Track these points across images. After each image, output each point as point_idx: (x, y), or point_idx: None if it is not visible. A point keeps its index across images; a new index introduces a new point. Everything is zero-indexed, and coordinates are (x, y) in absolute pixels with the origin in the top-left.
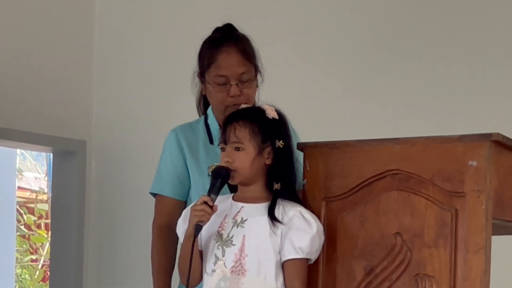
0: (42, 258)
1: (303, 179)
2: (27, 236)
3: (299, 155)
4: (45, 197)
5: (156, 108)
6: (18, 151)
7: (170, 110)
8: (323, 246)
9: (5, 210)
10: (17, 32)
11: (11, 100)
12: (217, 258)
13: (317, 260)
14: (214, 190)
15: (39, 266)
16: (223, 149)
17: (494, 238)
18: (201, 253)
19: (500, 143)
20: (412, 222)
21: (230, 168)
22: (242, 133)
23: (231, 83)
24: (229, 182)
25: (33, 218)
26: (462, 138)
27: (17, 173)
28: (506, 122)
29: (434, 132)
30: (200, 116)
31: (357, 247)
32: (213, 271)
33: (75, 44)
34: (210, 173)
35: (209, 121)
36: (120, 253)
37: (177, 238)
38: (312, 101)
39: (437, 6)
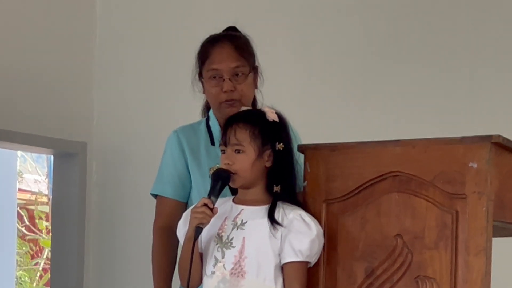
0: (43, 261)
1: (304, 181)
2: (27, 239)
3: (300, 157)
4: (45, 199)
5: (156, 110)
6: (19, 153)
7: (170, 112)
8: (323, 248)
9: (6, 212)
10: (18, 34)
11: (12, 102)
12: (216, 260)
13: (318, 262)
14: (215, 192)
15: (40, 268)
16: (223, 151)
17: (495, 240)
18: (201, 255)
19: (501, 145)
20: (413, 224)
21: (230, 170)
22: (242, 136)
23: (224, 78)
24: (230, 185)
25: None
26: (462, 140)
27: (17, 176)
28: (507, 124)
29: (434, 134)
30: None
31: (358, 249)
32: (213, 273)
33: (76, 46)
34: (210, 175)
35: (210, 122)
36: (121, 254)
37: (178, 239)
38: (313, 102)
39: (437, 8)
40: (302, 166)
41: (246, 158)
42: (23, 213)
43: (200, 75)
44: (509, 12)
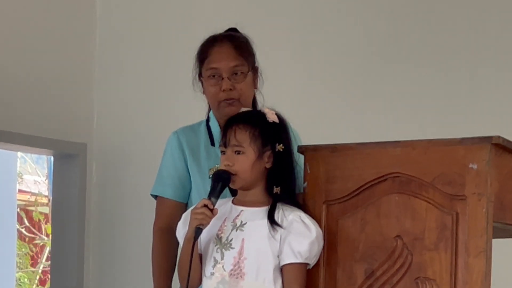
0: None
1: (304, 182)
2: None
3: (300, 158)
4: (45, 200)
5: (157, 111)
6: (19, 154)
7: (171, 114)
8: (323, 250)
9: (6, 214)
10: (18, 35)
11: (12, 103)
12: (216, 261)
13: (317, 263)
14: (215, 193)
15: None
16: (223, 152)
17: (495, 241)
18: (200, 256)
19: (501, 146)
20: (413, 225)
21: (230, 171)
22: (242, 137)
23: (223, 77)
24: (230, 186)
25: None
26: (462, 141)
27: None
28: (507, 125)
29: (434, 135)
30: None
31: (358, 250)
32: (212, 274)
33: (76, 47)
34: (210, 176)
35: (210, 123)
36: (121, 255)
37: (178, 240)
38: (313, 103)
39: (437, 8)
40: (302, 167)
41: (246, 159)
42: (22, 215)
43: (200, 75)
44: (509, 13)
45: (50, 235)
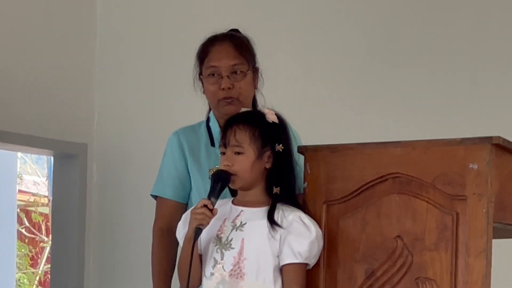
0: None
1: (304, 183)
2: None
3: (300, 159)
4: (45, 200)
5: (157, 111)
6: (19, 154)
7: (171, 114)
8: (324, 250)
9: (6, 214)
10: (18, 35)
11: (12, 103)
12: (216, 262)
13: (318, 264)
14: (214, 193)
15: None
16: (223, 153)
17: (495, 242)
18: (200, 256)
19: (501, 147)
20: (413, 226)
21: (230, 172)
22: (242, 137)
23: (223, 75)
24: (230, 186)
25: None
26: (463, 141)
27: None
28: (507, 125)
29: (435, 135)
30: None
31: (358, 251)
32: (212, 274)
33: (76, 47)
34: (210, 176)
35: (210, 123)
36: (121, 256)
37: (178, 240)
38: (313, 104)
39: (437, 10)
40: (302, 168)
41: (246, 160)
42: (22, 215)
43: (201, 74)
44: (509, 13)
45: (50, 236)
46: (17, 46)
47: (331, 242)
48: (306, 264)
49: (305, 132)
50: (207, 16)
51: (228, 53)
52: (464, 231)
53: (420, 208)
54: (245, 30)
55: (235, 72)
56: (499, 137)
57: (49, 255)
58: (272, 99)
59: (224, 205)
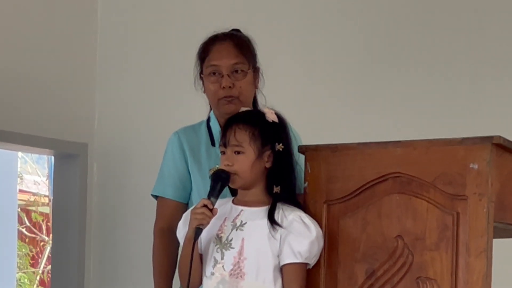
0: (43, 262)
1: (305, 182)
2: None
3: (300, 158)
4: (45, 200)
5: (158, 111)
6: (19, 154)
7: (172, 114)
8: (324, 250)
9: (6, 214)
10: (19, 35)
11: (13, 102)
12: (216, 261)
13: (318, 264)
14: (214, 193)
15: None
16: (223, 152)
17: (496, 241)
18: (201, 256)
19: (502, 146)
20: (414, 225)
21: (230, 171)
22: (242, 137)
23: (223, 74)
24: (230, 185)
25: None
26: (463, 141)
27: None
28: (508, 125)
29: (435, 135)
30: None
31: (359, 250)
32: (212, 274)
33: (77, 47)
34: (210, 176)
35: (211, 123)
36: (122, 255)
37: (178, 240)
38: (314, 104)
39: (438, 10)
40: (303, 167)
41: (246, 159)
42: (22, 215)
43: (201, 73)
44: (509, 13)
45: (51, 235)
46: (17, 45)
47: (331, 242)
48: (306, 264)
49: (306, 132)
50: (207, 16)
51: (229, 52)
52: (464, 230)
53: (421, 208)
54: (245, 30)
55: (236, 71)
56: (500, 136)
57: (50, 255)
58: (273, 99)
59: (224, 204)
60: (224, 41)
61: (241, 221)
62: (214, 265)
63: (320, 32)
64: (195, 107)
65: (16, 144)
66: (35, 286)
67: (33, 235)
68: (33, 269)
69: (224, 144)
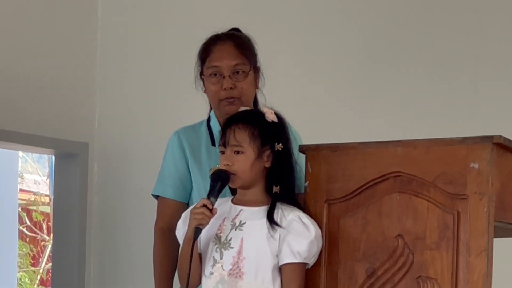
0: (44, 262)
1: (305, 182)
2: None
3: (300, 158)
4: (46, 199)
5: (158, 111)
6: (20, 153)
7: (172, 113)
8: (325, 249)
9: (7, 213)
10: (20, 35)
11: (13, 102)
12: (215, 261)
13: (319, 263)
14: (214, 193)
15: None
16: (222, 152)
17: (496, 241)
18: (200, 256)
19: (502, 146)
20: (414, 225)
21: (229, 171)
22: (241, 136)
23: (224, 75)
24: (229, 185)
25: None
26: (464, 140)
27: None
28: (508, 124)
29: (436, 134)
30: None
31: (359, 250)
32: (211, 273)
33: (77, 46)
34: (210, 176)
35: (211, 123)
36: (122, 255)
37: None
38: (314, 104)
39: (438, 10)
40: (303, 167)
41: (245, 159)
42: (22, 215)
43: (202, 73)
44: (510, 13)
45: (51, 235)
46: (18, 45)
47: (332, 241)
48: (305, 264)
49: (306, 131)
50: (208, 16)
51: (230, 53)
52: (465, 230)
53: (421, 207)
54: (245, 30)
55: (237, 72)
56: (500, 136)
57: (50, 254)
58: (273, 99)
59: (223, 204)
60: (225, 42)
61: (240, 221)
62: (213, 265)
63: (320, 32)
64: (196, 106)
65: (17, 143)
66: (35, 285)
67: (34, 235)
68: (33, 268)
69: (224, 144)
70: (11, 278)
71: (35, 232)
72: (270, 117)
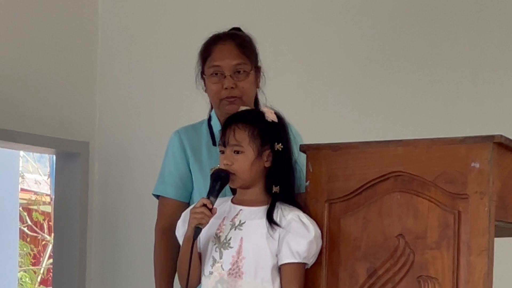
0: (45, 261)
1: (306, 181)
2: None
3: (300, 157)
4: (47, 199)
5: (159, 110)
6: (21, 153)
7: (173, 113)
8: (325, 249)
9: (8, 213)
10: (21, 35)
11: (15, 102)
12: (214, 261)
13: (319, 263)
14: (214, 192)
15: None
16: (222, 152)
17: (497, 240)
18: (200, 255)
19: (503, 145)
20: (415, 224)
21: (229, 171)
22: (241, 136)
23: (225, 75)
24: (229, 185)
25: None
26: (465, 140)
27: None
28: (509, 123)
29: (437, 134)
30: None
31: (360, 249)
32: (211, 273)
33: (78, 46)
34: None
35: (212, 122)
36: (123, 255)
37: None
38: (315, 103)
39: (439, 10)
40: (303, 167)
41: (245, 159)
42: (23, 214)
43: (203, 73)
44: (510, 14)
45: (52, 234)
46: (19, 45)
47: (332, 241)
48: (305, 264)
49: (307, 131)
50: (209, 16)
51: (231, 53)
52: (466, 229)
53: (422, 206)
54: (246, 30)
55: (238, 72)
56: (501, 135)
57: (51, 254)
58: (274, 99)
59: (223, 203)
60: (226, 41)
61: (240, 221)
62: (213, 265)
63: (321, 32)
64: (196, 106)
65: (18, 143)
66: (36, 284)
67: (35, 234)
68: (34, 268)
69: (224, 143)
70: (12, 278)
71: (36, 232)
72: (270, 116)
